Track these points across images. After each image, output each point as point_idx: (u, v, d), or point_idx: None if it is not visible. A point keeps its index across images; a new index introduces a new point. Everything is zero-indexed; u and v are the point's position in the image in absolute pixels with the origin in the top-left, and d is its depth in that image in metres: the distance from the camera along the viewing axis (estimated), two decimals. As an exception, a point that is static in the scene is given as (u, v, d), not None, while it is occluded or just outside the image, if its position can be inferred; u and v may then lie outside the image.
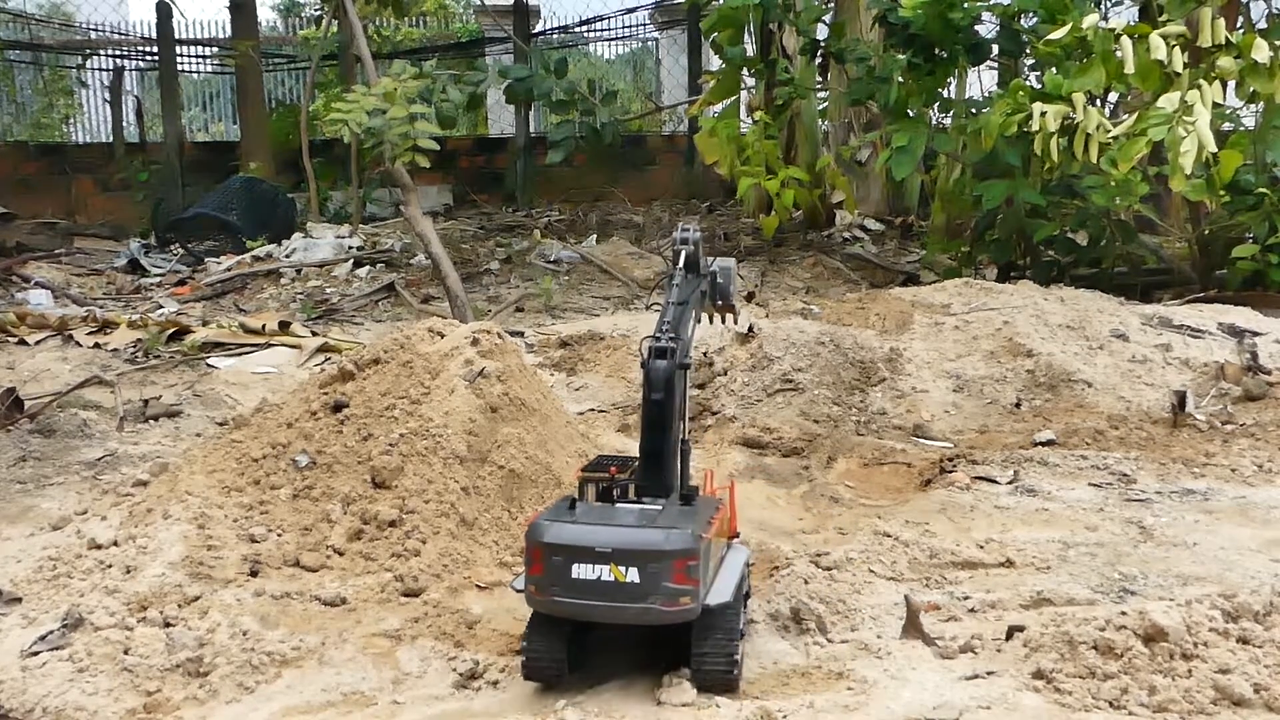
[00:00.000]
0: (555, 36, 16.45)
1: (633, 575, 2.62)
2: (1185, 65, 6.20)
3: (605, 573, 2.63)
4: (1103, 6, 9.29)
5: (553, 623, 2.76)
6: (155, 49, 14.10)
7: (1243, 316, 6.39)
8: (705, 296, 3.30)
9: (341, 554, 3.53)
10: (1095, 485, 4.49)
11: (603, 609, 2.65)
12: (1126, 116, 6.45)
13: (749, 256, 9.82)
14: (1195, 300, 7.06)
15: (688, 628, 2.72)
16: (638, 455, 2.97)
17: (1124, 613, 2.83)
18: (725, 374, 5.63)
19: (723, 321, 3.57)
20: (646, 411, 2.92)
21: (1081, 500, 4.33)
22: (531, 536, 2.71)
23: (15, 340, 6.83)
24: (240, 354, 6.66)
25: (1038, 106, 6.35)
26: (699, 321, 3.27)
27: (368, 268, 9.73)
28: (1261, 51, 6.11)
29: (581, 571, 2.64)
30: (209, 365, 6.41)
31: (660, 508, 2.80)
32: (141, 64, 15.98)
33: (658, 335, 2.94)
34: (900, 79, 7.81)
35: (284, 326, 7.20)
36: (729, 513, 3.14)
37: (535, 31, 15.60)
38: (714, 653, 2.75)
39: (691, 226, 3.25)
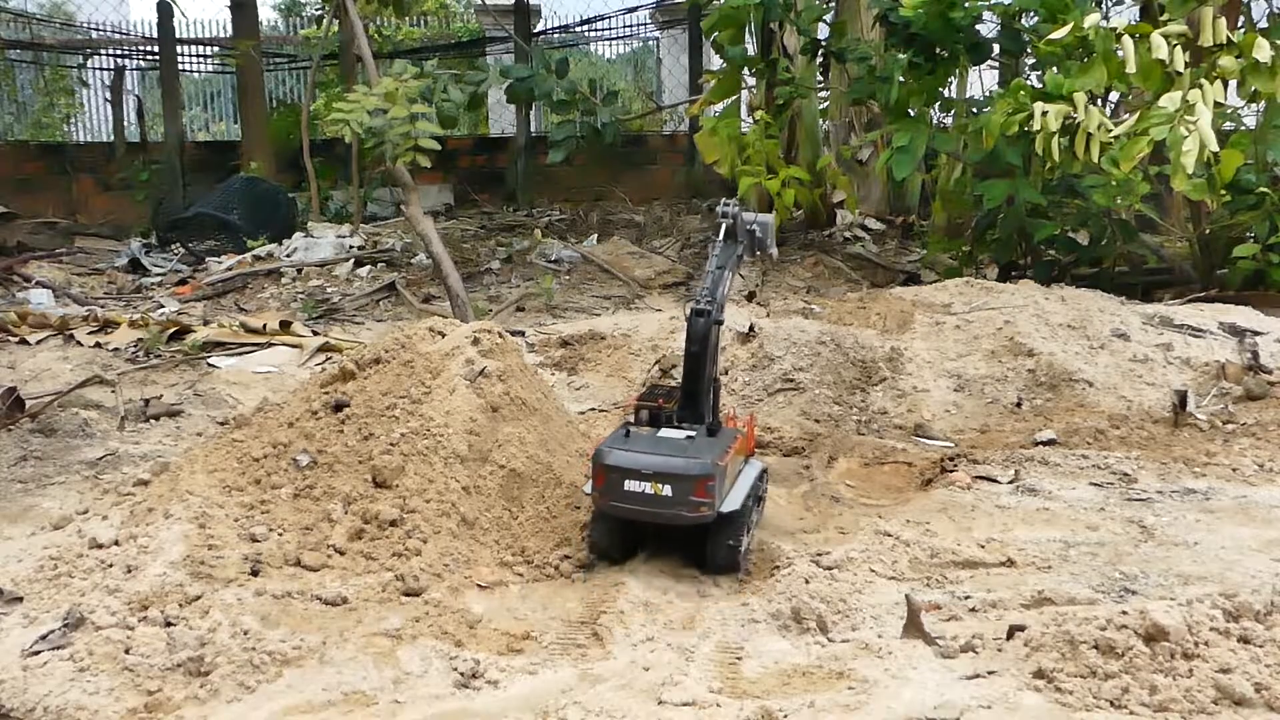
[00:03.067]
0: (556, 36, 16.44)
1: (667, 490, 3.49)
2: (1186, 64, 6.19)
3: (648, 488, 3.51)
4: (1104, 6, 9.29)
5: (609, 518, 3.66)
6: (156, 48, 14.10)
7: (1243, 316, 6.38)
8: (741, 259, 4.04)
9: (342, 553, 3.54)
10: (1096, 485, 4.49)
11: (645, 512, 3.55)
12: (1128, 116, 6.45)
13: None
14: (1196, 300, 7.05)
15: (706, 527, 3.56)
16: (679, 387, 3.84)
17: (1125, 612, 2.82)
18: (726, 373, 5.63)
19: (759, 262, 4.36)
20: (686, 360, 3.76)
21: (1082, 500, 4.33)
22: (597, 459, 3.58)
23: (16, 340, 6.84)
24: (241, 353, 6.67)
25: (1039, 106, 6.34)
26: (735, 276, 4.08)
27: (369, 267, 9.73)
28: (1263, 51, 6.10)
29: (631, 485, 3.52)
30: (210, 365, 6.42)
31: (693, 435, 3.66)
32: (142, 63, 15.97)
33: (698, 299, 3.75)
34: (901, 78, 7.80)
35: (285, 326, 7.20)
36: (748, 438, 4.00)
37: (536, 31, 15.59)
38: (723, 547, 3.60)
39: (732, 202, 4.02)
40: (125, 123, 14.09)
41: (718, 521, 3.56)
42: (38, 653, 2.98)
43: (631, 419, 3.84)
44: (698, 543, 3.63)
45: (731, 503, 3.58)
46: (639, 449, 3.59)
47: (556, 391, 5.25)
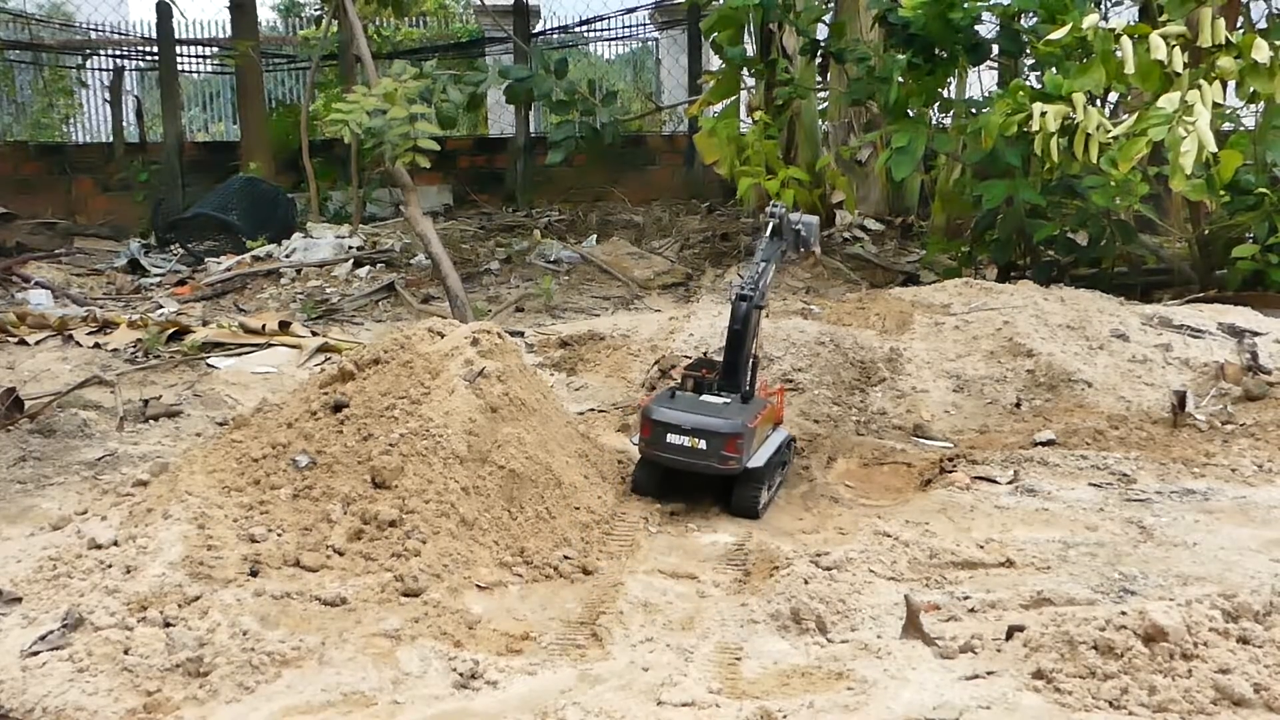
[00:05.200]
0: (555, 36, 16.43)
1: (702, 444, 4.11)
2: (1185, 65, 6.19)
3: (686, 441, 4.12)
4: (1103, 6, 9.30)
5: (651, 464, 4.30)
6: (155, 49, 14.08)
7: (1243, 316, 6.38)
8: (785, 254, 4.63)
9: (341, 554, 3.53)
10: (1095, 485, 4.49)
11: (683, 462, 4.17)
12: (1126, 116, 6.44)
13: (749, 257, 9.82)
14: (1195, 300, 7.05)
15: (733, 477, 4.18)
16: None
17: (1124, 613, 2.82)
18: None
19: (805, 261, 4.97)
20: (728, 336, 4.37)
21: (1081, 500, 4.33)
22: (645, 414, 4.23)
23: (15, 340, 6.84)
24: (240, 354, 6.66)
25: (1038, 106, 6.34)
26: (781, 270, 4.79)
27: (368, 268, 9.73)
28: (1261, 51, 6.10)
29: (673, 438, 4.14)
30: (209, 365, 6.42)
31: (729, 402, 4.25)
32: (141, 64, 15.95)
33: (742, 285, 4.37)
34: (900, 79, 7.79)
35: (284, 326, 7.20)
36: (777, 408, 4.61)
37: (535, 31, 15.58)
38: (746, 494, 4.21)
39: (780, 205, 4.66)
40: (124, 123, 14.08)
41: (743, 474, 4.16)
42: (37, 653, 2.98)
43: (678, 385, 4.49)
44: (725, 490, 4.24)
45: (757, 460, 4.17)
46: (681, 408, 4.22)
47: (556, 391, 5.25)
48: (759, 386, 4.55)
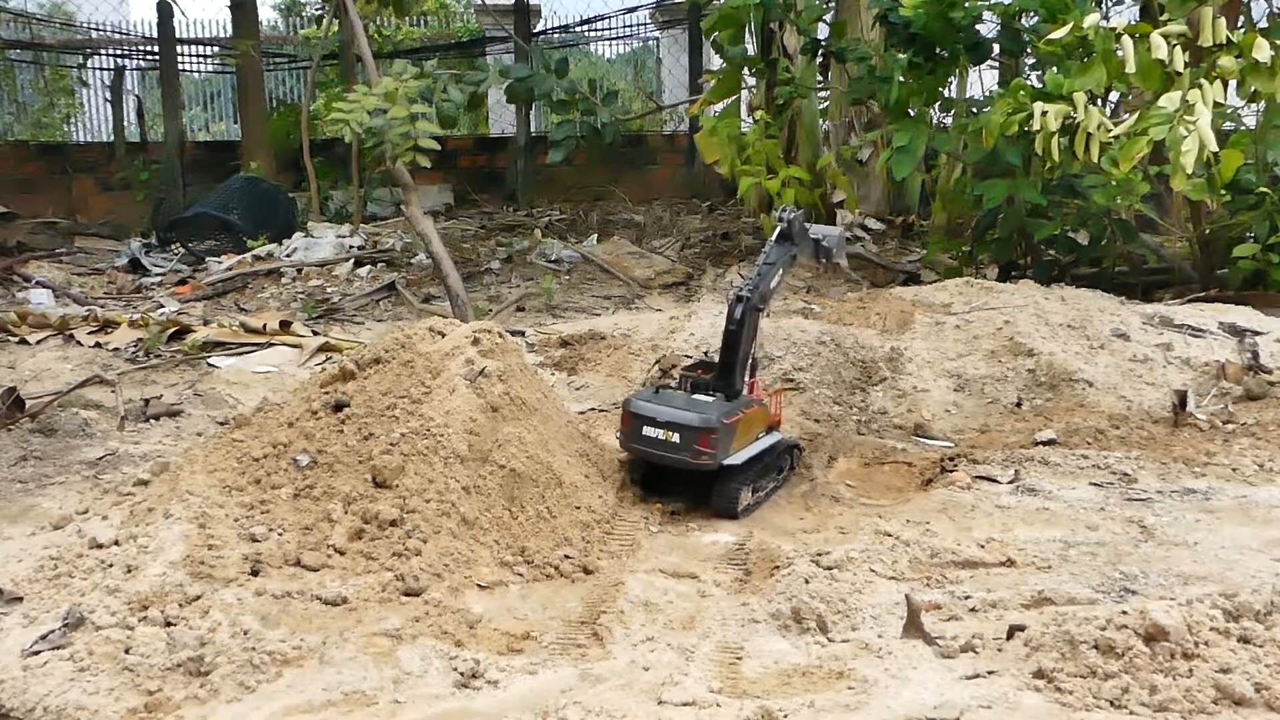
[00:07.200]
0: (556, 36, 16.43)
1: (675, 437, 4.09)
2: (1186, 64, 6.18)
3: (661, 434, 4.12)
4: (1103, 6, 9.29)
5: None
6: (156, 48, 14.08)
7: (1243, 316, 6.38)
8: (795, 259, 4.61)
9: (342, 553, 3.54)
10: (1096, 485, 4.49)
11: (657, 455, 4.17)
12: (1127, 116, 6.44)
13: (750, 256, 9.82)
14: (1196, 299, 7.05)
15: (712, 474, 4.14)
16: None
17: (1125, 612, 2.82)
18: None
19: (827, 272, 5.07)
20: (724, 336, 4.34)
21: (1082, 500, 4.33)
22: (625, 407, 4.27)
23: (16, 339, 6.84)
24: (241, 353, 6.67)
25: (1038, 106, 6.34)
26: (792, 273, 4.75)
27: (368, 267, 9.73)
28: (1262, 51, 6.10)
29: (649, 431, 4.15)
30: (210, 365, 6.42)
31: (712, 400, 4.22)
32: (142, 63, 15.96)
33: (741, 286, 4.36)
34: (901, 78, 7.79)
35: (285, 326, 7.20)
36: (770, 410, 4.51)
37: (536, 31, 15.58)
38: (723, 493, 4.19)
39: (789, 209, 4.59)
40: (125, 123, 14.08)
41: (721, 471, 4.13)
42: (38, 653, 2.98)
43: (674, 383, 4.53)
44: (707, 488, 4.21)
45: (735, 458, 4.14)
46: (661, 402, 4.22)
47: (556, 391, 5.24)
48: (754, 387, 4.50)
